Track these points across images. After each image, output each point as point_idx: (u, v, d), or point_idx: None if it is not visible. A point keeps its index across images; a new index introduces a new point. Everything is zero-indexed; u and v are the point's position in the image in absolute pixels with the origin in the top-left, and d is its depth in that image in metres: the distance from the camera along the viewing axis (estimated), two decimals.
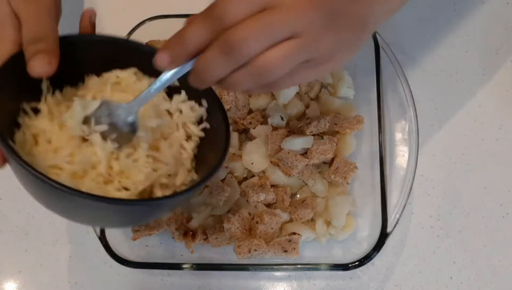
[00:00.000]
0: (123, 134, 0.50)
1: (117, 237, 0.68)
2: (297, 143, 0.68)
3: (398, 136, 0.72)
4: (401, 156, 0.70)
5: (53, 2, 0.54)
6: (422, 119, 0.71)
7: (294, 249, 0.65)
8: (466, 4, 0.80)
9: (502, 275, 0.67)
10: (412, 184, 0.65)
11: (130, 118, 0.49)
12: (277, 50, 0.42)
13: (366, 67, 0.72)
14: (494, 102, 0.75)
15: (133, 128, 0.50)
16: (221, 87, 0.47)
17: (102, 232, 0.65)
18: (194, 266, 0.65)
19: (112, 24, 0.87)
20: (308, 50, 0.44)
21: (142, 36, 0.75)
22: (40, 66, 0.48)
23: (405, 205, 0.64)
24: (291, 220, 0.68)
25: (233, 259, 0.66)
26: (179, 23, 0.76)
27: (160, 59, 0.44)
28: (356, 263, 0.62)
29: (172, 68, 0.45)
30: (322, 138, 0.70)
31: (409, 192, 0.64)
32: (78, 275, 0.72)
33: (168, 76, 0.45)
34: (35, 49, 0.49)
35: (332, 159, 0.69)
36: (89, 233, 0.73)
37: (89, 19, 0.58)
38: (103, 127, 0.49)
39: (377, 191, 0.64)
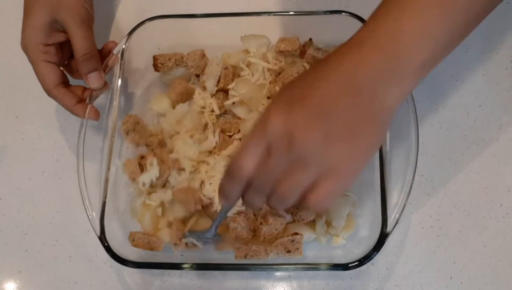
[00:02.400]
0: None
1: (117, 237, 0.68)
2: None
3: (398, 136, 0.72)
4: (401, 156, 0.70)
5: (93, 21, 0.72)
6: (422, 119, 0.71)
7: (297, 249, 0.64)
8: None
9: (502, 275, 0.67)
10: (412, 184, 0.65)
11: (210, 237, 0.65)
12: (287, 182, 0.48)
13: None
14: (494, 102, 0.75)
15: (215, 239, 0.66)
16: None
17: (102, 232, 0.65)
18: (194, 266, 0.65)
19: (113, 24, 0.87)
20: (313, 170, 0.47)
21: (142, 36, 0.75)
22: (97, 81, 0.69)
23: (405, 205, 0.64)
24: (293, 221, 0.68)
25: (233, 259, 0.65)
26: (179, 23, 0.77)
27: (223, 202, 0.60)
28: (356, 263, 0.62)
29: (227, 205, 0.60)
30: None
31: (409, 192, 0.64)
32: (78, 275, 0.72)
33: (225, 209, 0.62)
34: (89, 66, 0.69)
35: None
36: (89, 233, 0.73)
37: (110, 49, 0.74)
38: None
39: (377, 191, 0.64)
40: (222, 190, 0.54)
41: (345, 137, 0.46)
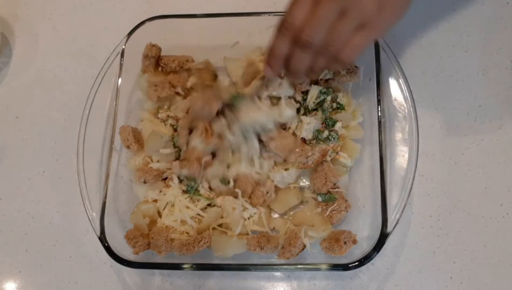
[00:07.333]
0: None
1: (117, 237, 0.68)
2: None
3: (398, 136, 0.72)
4: (401, 156, 0.70)
5: None
6: (422, 119, 0.71)
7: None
8: (466, 4, 0.80)
9: (502, 275, 0.67)
10: (412, 184, 0.65)
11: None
12: (339, 31, 0.54)
13: (367, 67, 0.72)
14: (494, 102, 0.75)
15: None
16: (309, 75, 0.62)
17: (102, 232, 0.65)
18: (194, 266, 0.65)
19: (113, 24, 0.87)
20: (356, 16, 0.53)
21: (142, 36, 0.75)
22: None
23: (405, 205, 0.64)
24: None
25: (233, 260, 0.66)
26: (179, 23, 0.77)
27: (268, 72, 0.62)
28: (356, 263, 0.62)
29: (275, 75, 0.67)
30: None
31: (409, 192, 0.64)
32: (78, 275, 0.72)
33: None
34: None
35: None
36: (89, 233, 0.73)
37: None
38: None
39: (377, 191, 0.64)
40: (269, 52, 0.59)
41: None
